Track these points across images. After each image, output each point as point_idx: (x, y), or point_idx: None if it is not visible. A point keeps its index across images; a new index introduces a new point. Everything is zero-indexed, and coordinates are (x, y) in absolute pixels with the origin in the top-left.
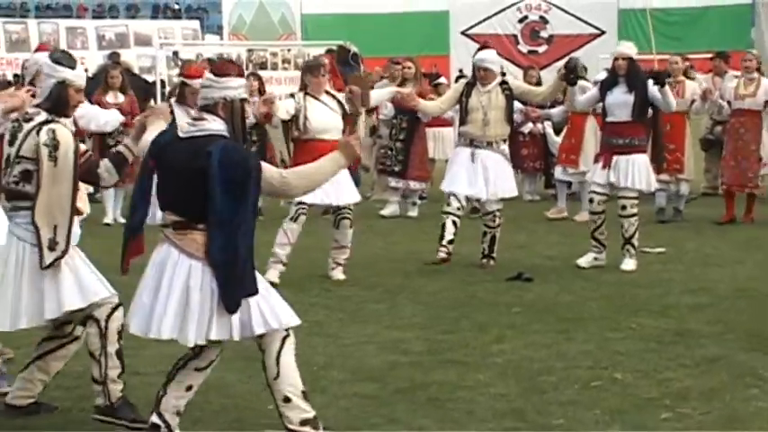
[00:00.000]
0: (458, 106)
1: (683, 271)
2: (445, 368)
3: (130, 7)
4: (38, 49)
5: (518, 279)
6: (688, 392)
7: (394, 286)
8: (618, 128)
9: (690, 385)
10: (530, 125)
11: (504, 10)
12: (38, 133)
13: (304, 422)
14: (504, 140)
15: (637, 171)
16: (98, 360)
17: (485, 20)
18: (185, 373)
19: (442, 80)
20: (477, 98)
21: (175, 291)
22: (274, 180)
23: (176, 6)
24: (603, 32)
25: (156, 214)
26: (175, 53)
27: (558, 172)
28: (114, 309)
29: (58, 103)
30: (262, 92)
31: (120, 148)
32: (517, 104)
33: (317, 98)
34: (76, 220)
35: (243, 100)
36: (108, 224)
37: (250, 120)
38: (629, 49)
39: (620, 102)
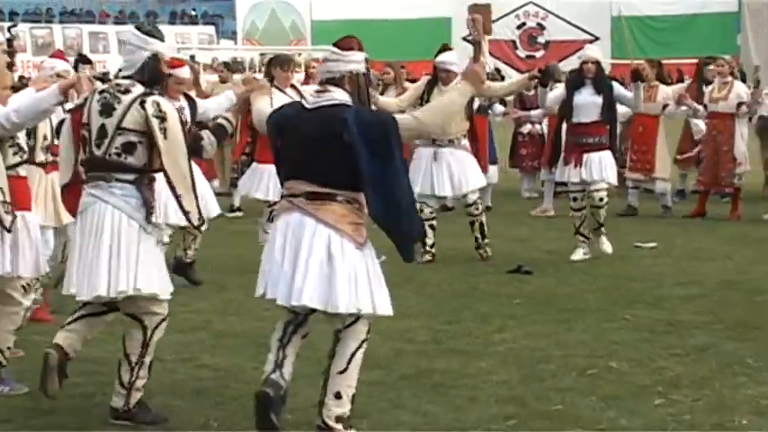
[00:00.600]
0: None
1: (674, 265)
2: (449, 356)
3: (149, 14)
4: (52, 56)
5: (518, 272)
6: (680, 380)
7: (400, 278)
8: (586, 128)
9: (681, 373)
10: (528, 126)
11: (503, 17)
12: (142, 106)
13: (340, 419)
14: (465, 136)
15: (608, 166)
16: (132, 367)
17: None
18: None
19: None
20: (439, 97)
21: (315, 260)
22: (411, 125)
23: (193, 13)
24: (597, 38)
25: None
26: (192, 57)
27: (543, 173)
28: (163, 320)
29: (153, 75)
30: None
31: (221, 120)
32: (499, 107)
33: (282, 91)
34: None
35: (364, 74)
36: None
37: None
38: (597, 52)
39: (589, 103)
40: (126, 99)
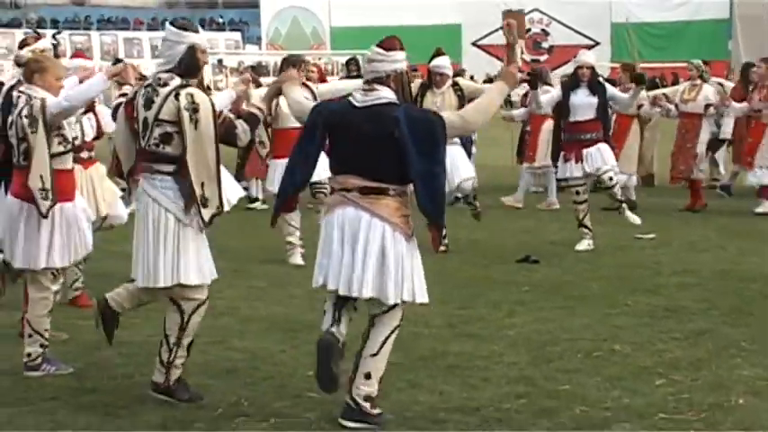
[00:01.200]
0: None
1: (672, 255)
2: (463, 340)
3: None
4: (74, 56)
5: (526, 261)
6: (678, 362)
7: None
8: (583, 125)
9: (680, 355)
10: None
11: None
12: (176, 97)
13: (368, 398)
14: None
15: (608, 153)
16: (170, 347)
17: (493, 32)
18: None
19: None
20: (432, 99)
21: (373, 253)
22: (456, 123)
23: (220, 20)
24: (598, 43)
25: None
26: (220, 61)
27: (524, 167)
28: (200, 305)
29: (190, 66)
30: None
31: (253, 109)
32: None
33: None
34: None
35: (406, 72)
36: None
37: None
38: (591, 57)
39: (585, 103)
40: (163, 92)
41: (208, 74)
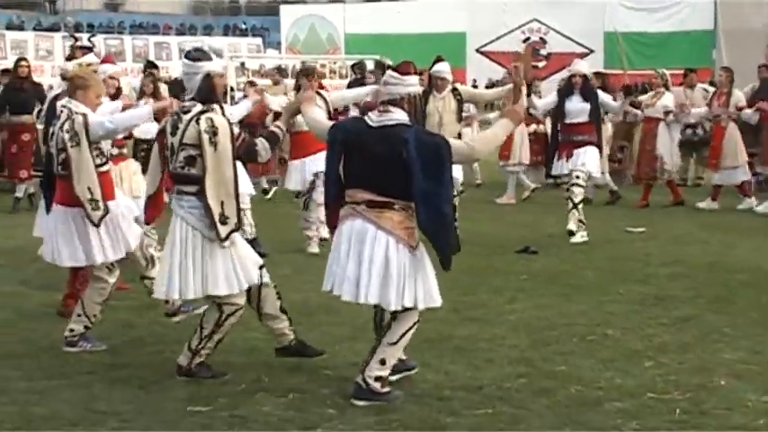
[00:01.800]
0: None
1: (661, 247)
2: (467, 324)
3: (206, 27)
4: (104, 61)
5: (525, 252)
6: (666, 346)
7: None
8: (577, 128)
9: (668, 340)
10: (533, 125)
11: (510, 32)
12: (197, 122)
13: (378, 379)
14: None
15: (588, 158)
16: (202, 337)
17: (495, 40)
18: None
19: None
20: (434, 104)
21: (377, 263)
22: (463, 151)
23: (243, 26)
24: (592, 51)
25: None
26: (242, 64)
27: (502, 163)
28: (237, 310)
29: (208, 93)
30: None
31: (273, 128)
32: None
33: None
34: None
35: (419, 95)
36: None
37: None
38: (584, 66)
39: (579, 108)
40: (186, 118)
41: (231, 76)
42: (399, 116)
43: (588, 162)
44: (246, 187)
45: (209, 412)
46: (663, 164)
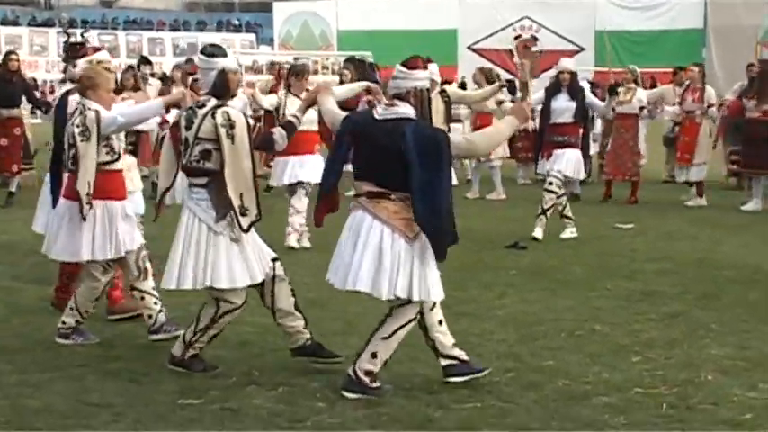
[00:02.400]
0: None
1: (649, 243)
2: (457, 319)
3: (200, 23)
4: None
5: (515, 247)
6: (653, 341)
7: None
8: (561, 128)
9: (655, 335)
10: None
11: (502, 29)
12: (213, 116)
13: (368, 373)
14: None
15: (566, 161)
16: (196, 331)
17: (486, 37)
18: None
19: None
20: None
21: (369, 251)
22: (462, 145)
23: (236, 22)
24: (583, 49)
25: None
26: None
27: (474, 163)
28: (235, 308)
29: (222, 88)
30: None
31: (290, 118)
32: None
33: (297, 96)
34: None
35: (427, 89)
36: None
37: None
38: (571, 64)
39: (564, 107)
40: (201, 112)
41: None
42: (404, 110)
43: (564, 167)
44: None
45: (200, 405)
46: (640, 158)
